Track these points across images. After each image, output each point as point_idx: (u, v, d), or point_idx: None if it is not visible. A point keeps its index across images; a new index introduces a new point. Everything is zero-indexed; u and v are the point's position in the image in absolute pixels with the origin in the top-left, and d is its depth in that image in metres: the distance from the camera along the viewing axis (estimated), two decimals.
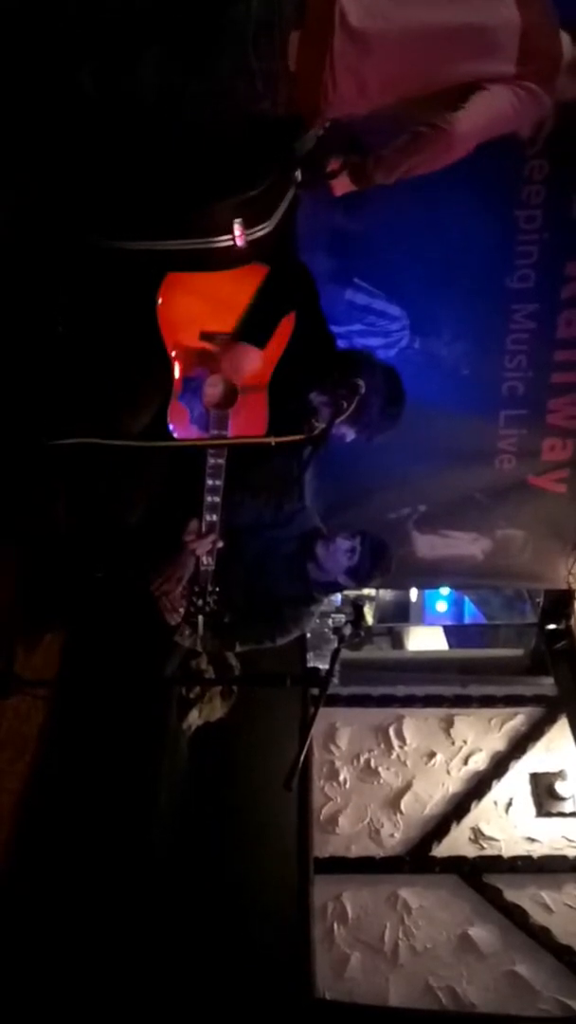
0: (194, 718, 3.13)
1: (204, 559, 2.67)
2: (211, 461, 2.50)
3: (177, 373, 2.47)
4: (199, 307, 2.41)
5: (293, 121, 2.20)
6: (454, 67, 2.14)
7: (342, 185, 2.43)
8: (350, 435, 2.66)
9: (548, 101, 2.25)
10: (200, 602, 2.70)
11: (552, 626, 4.14)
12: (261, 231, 2.30)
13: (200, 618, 2.72)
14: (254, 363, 2.41)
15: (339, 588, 3.18)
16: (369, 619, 4.60)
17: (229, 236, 2.24)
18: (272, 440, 2.49)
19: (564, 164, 2.85)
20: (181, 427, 2.51)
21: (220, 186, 2.19)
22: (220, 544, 2.68)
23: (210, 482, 2.53)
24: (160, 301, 2.39)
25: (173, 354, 2.44)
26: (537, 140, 2.79)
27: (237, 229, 2.23)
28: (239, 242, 2.25)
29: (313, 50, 2.06)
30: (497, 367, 3.31)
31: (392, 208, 2.92)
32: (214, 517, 2.60)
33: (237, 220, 2.23)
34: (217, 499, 2.56)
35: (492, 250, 3.05)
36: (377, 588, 4.38)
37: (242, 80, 2.08)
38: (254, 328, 2.39)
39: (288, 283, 2.46)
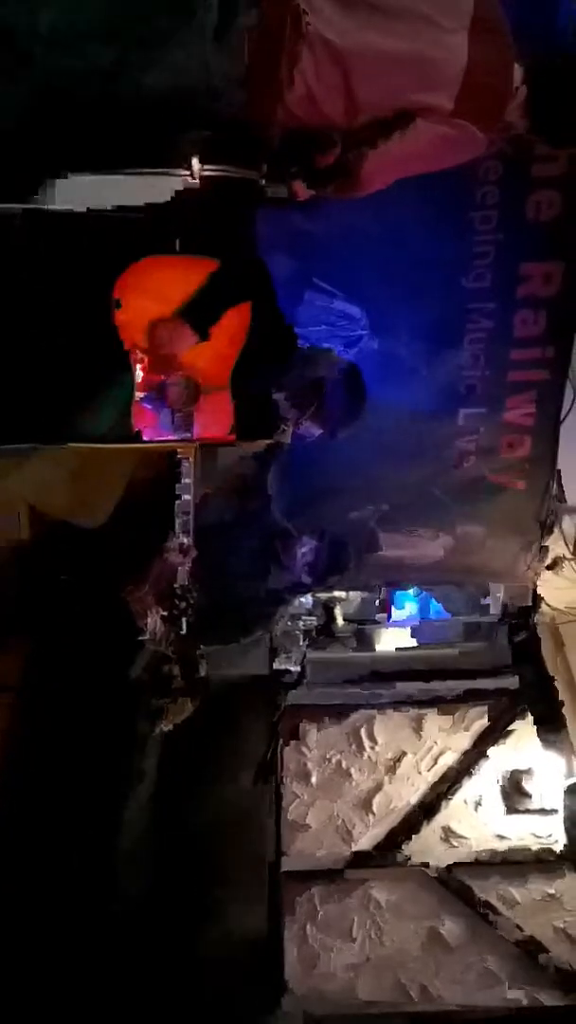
0: (163, 721, 3.12)
1: (182, 562, 2.68)
2: (181, 463, 2.51)
3: (139, 375, 2.48)
4: (154, 308, 2.43)
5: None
6: (394, 93, 2.20)
7: (301, 189, 2.48)
8: (314, 432, 2.69)
9: (483, 140, 2.30)
10: (183, 604, 2.71)
11: (514, 621, 4.18)
12: (216, 172, 2.40)
13: (184, 620, 2.73)
14: (188, 341, 2.42)
15: (301, 587, 3.20)
16: (338, 620, 4.62)
17: (187, 169, 2.36)
18: (239, 444, 2.52)
19: (517, 165, 2.91)
20: (146, 429, 2.52)
21: (181, 124, 2.28)
22: (195, 553, 2.70)
23: (181, 482, 2.54)
24: (115, 299, 2.40)
25: (132, 356, 2.45)
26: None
27: (195, 163, 2.35)
28: (195, 175, 2.36)
29: (269, 51, 2.11)
30: (455, 366, 3.34)
31: (349, 210, 2.93)
32: (187, 517, 2.62)
33: (195, 155, 2.34)
34: (188, 498, 2.58)
35: (448, 251, 3.08)
36: (340, 587, 4.39)
37: (200, 77, 2.13)
38: (196, 312, 2.42)
39: (236, 275, 2.48)
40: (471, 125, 2.25)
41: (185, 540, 2.66)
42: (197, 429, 2.54)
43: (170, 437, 2.54)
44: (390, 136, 2.24)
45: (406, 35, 2.16)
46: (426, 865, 3.61)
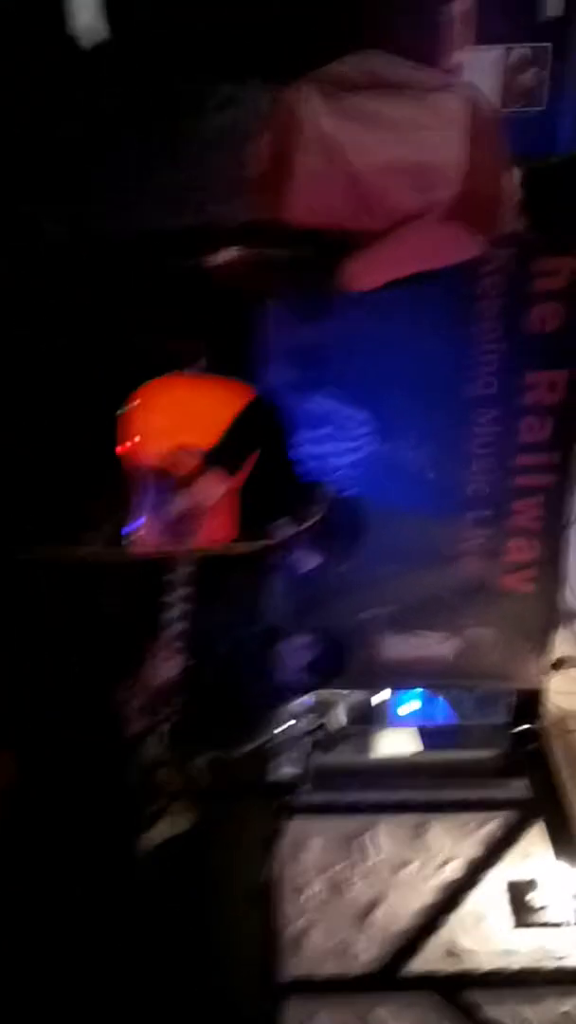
0: (157, 832, 3.02)
1: (170, 671, 2.64)
2: (179, 571, 2.49)
3: (147, 483, 2.48)
4: (174, 420, 2.45)
5: None
6: (394, 197, 2.27)
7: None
8: (312, 563, 2.70)
9: (477, 243, 2.37)
10: (164, 713, 2.66)
11: (524, 726, 4.10)
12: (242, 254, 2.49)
13: (164, 729, 2.67)
14: (221, 491, 2.43)
15: (302, 688, 3.14)
16: (341, 721, 4.54)
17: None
18: (240, 548, 2.50)
19: (520, 280, 2.98)
20: (150, 537, 2.51)
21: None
22: (187, 663, 2.65)
23: (178, 591, 2.52)
24: (135, 410, 2.42)
25: (144, 464, 2.46)
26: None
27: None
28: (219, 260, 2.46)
29: (276, 156, 2.21)
30: (463, 470, 3.38)
31: (357, 321, 3.02)
32: (181, 627, 2.58)
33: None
34: (185, 608, 2.55)
35: (454, 360, 3.16)
36: (345, 688, 4.33)
37: (210, 182, 2.23)
38: (227, 455, 2.43)
39: (266, 415, 2.52)
40: (465, 229, 2.32)
41: (176, 648, 2.63)
42: (202, 536, 2.53)
43: (168, 546, 2.53)
44: (381, 238, 2.31)
45: (406, 144, 2.25)
46: (434, 985, 3.45)
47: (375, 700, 4.29)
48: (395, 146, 2.25)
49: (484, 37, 2.60)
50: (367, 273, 2.44)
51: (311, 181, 2.23)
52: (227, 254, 2.44)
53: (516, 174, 2.34)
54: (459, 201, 2.28)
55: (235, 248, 2.46)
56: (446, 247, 2.39)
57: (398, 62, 2.33)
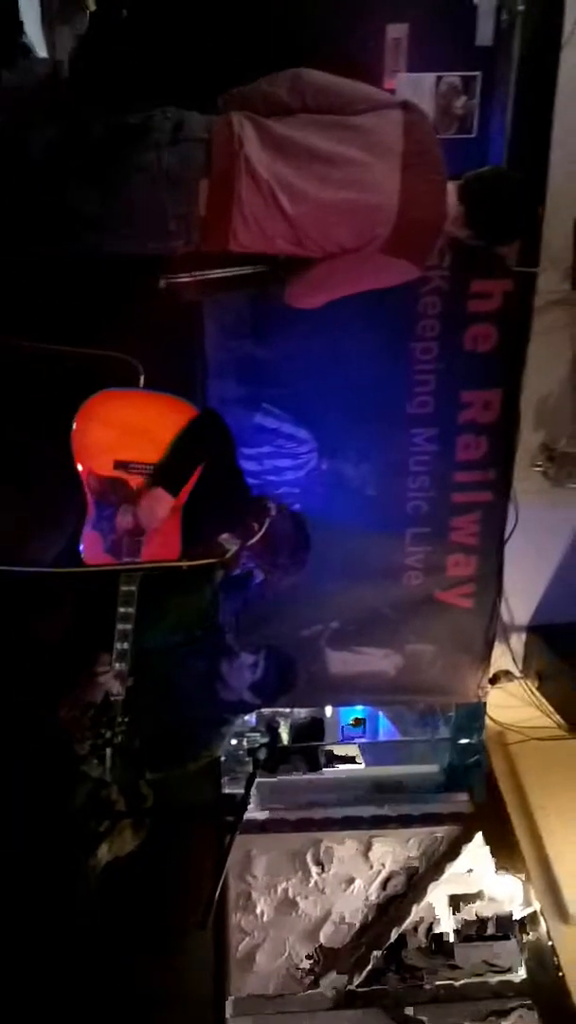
0: (103, 853, 2.97)
1: (114, 689, 2.60)
2: (123, 589, 2.48)
3: (90, 500, 2.47)
4: (115, 436, 2.45)
5: None
6: (334, 231, 2.33)
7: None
8: (258, 576, 2.71)
9: (414, 269, 2.47)
10: (108, 733, 2.62)
11: (464, 740, 4.15)
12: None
13: (108, 750, 2.63)
14: (166, 510, 2.44)
15: (248, 707, 3.13)
16: (284, 739, 4.53)
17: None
18: (184, 564, 2.50)
19: (455, 301, 3.07)
20: (94, 555, 2.49)
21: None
22: (130, 681, 2.62)
23: (121, 610, 2.50)
24: (76, 427, 2.41)
25: (87, 481, 2.45)
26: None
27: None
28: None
29: (221, 197, 2.25)
30: (401, 487, 3.43)
31: (298, 338, 3.07)
32: (125, 645, 2.56)
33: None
34: (128, 627, 2.52)
35: (392, 378, 3.21)
36: (289, 706, 4.34)
37: (156, 220, 2.26)
38: (171, 473, 2.45)
39: (209, 432, 2.54)
40: (403, 259, 2.41)
41: (119, 667, 2.59)
42: (145, 553, 2.52)
43: (115, 562, 2.51)
44: (320, 263, 2.40)
45: (342, 183, 2.31)
46: (381, 1004, 3.45)
47: (318, 717, 4.31)
48: (329, 188, 2.31)
49: (417, 64, 2.66)
50: (306, 294, 2.52)
51: (251, 215, 2.29)
52: (178, 277, 2.48)
53: (453, 190, 2.43)
54: (397, 231, 2.35)
55: (186, 274, 2.49)
56: (384, 271, 2.47)
57: (331, 79, 2.38)
